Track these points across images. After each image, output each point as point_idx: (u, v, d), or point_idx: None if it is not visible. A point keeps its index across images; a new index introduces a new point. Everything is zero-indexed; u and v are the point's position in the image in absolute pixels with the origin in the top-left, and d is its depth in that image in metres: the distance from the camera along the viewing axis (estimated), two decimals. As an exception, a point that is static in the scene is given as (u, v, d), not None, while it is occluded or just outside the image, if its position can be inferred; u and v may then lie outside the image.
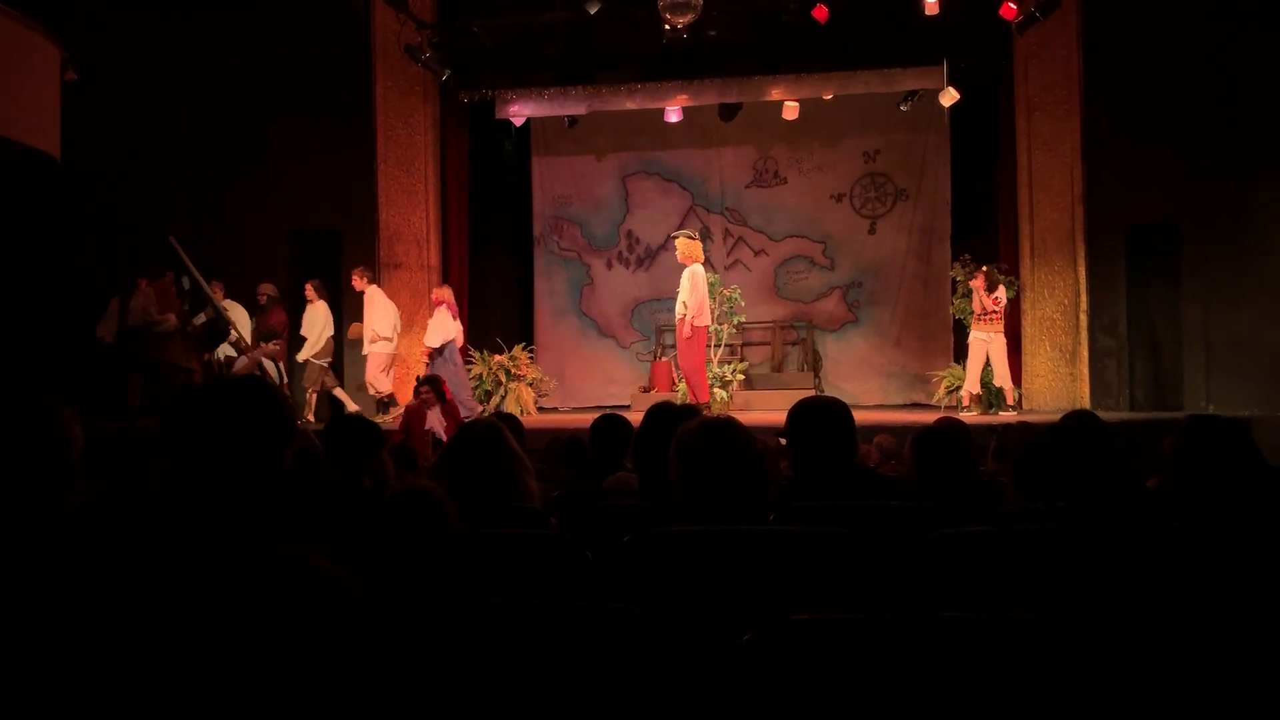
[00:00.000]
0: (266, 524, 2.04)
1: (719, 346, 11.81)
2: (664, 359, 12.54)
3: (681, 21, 9.75)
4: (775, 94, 11.58)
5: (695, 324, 9.94)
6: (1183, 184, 10.08)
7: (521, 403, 11.40)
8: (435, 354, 10.74)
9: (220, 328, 9.86)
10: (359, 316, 10.90)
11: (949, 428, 4.23)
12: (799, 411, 3.36)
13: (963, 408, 10.42)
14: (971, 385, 10.42)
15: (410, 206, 11.66)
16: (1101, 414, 4.18)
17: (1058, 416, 3.98)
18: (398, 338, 10.90)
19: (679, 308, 10.04)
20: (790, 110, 11.66)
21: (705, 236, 12.43)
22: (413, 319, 11.31)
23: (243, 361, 9.27)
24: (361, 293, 10.79)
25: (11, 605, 1.62)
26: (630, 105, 11.83)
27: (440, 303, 10.81)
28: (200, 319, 9.88)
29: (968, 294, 10.77)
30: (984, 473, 4.73)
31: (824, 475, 3.25)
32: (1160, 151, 10.08)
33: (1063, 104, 10.65)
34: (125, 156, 10.69)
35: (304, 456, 3.88)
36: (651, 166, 13.48)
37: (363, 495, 3.56)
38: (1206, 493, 3.15)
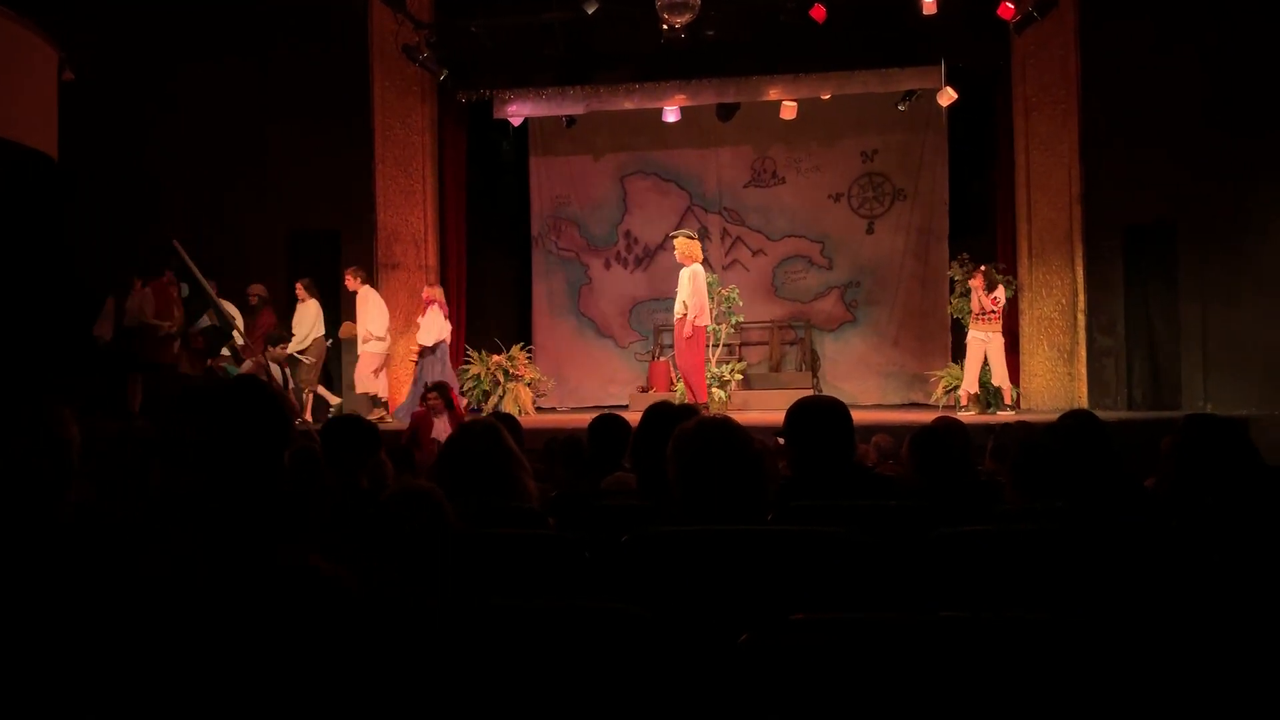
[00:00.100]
0: (265, 524, 2.04)
1: (717, 346, 11.82)
2: (662, 359, 12.55)
3: (679, 21, 9.76)
4: (773, 94, 11.58)
5: (696, 324, 9.95)
6: (1180, 184, 10.08)
7: (520, 403, 11.40)
8: (428, 352, 10.75)
9: (225, 330, 9.84)
10: (355, 316, 10.90)
11: (947, 427, 4.24)
12: (797, 411, 3.37)
13: (960, 407, 10.42)
14: (969, 385, 10.43)
15: (408, 207, 11.66)
16: (1099, 413, 4.18)
17: (1056, 416, 3.98)
18: (390, 338, 10.90)
19: (678, 307, 10.03)
20: (788, 110, 11.66)
21: (703, 236, 12.43)
22: (411, 319, 11.31)
23: (249, 365, 9.26)
24: (355, 293, 10.78)
25: (11, 605, 1.62)
26: (628, 105, 11.83)
27: (431, 301, 10.82)
28: (203, 323, 9.86)
29: (966, 293, 10.77)
30: (982, 472, 4.73)
31: (822, 475, 3.25)
32: (1158, 151, 10.08)
33: (1060, 104, 10.66)
34: (123, 156, 10.67)
35: (302, 457, 3.88)
36: (649, 166, 13.49)
37: (361, 495, 3.56)
38: (1204, 492, 3.15)
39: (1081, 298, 10.65)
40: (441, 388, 8.66)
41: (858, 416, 3.54)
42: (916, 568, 2.54)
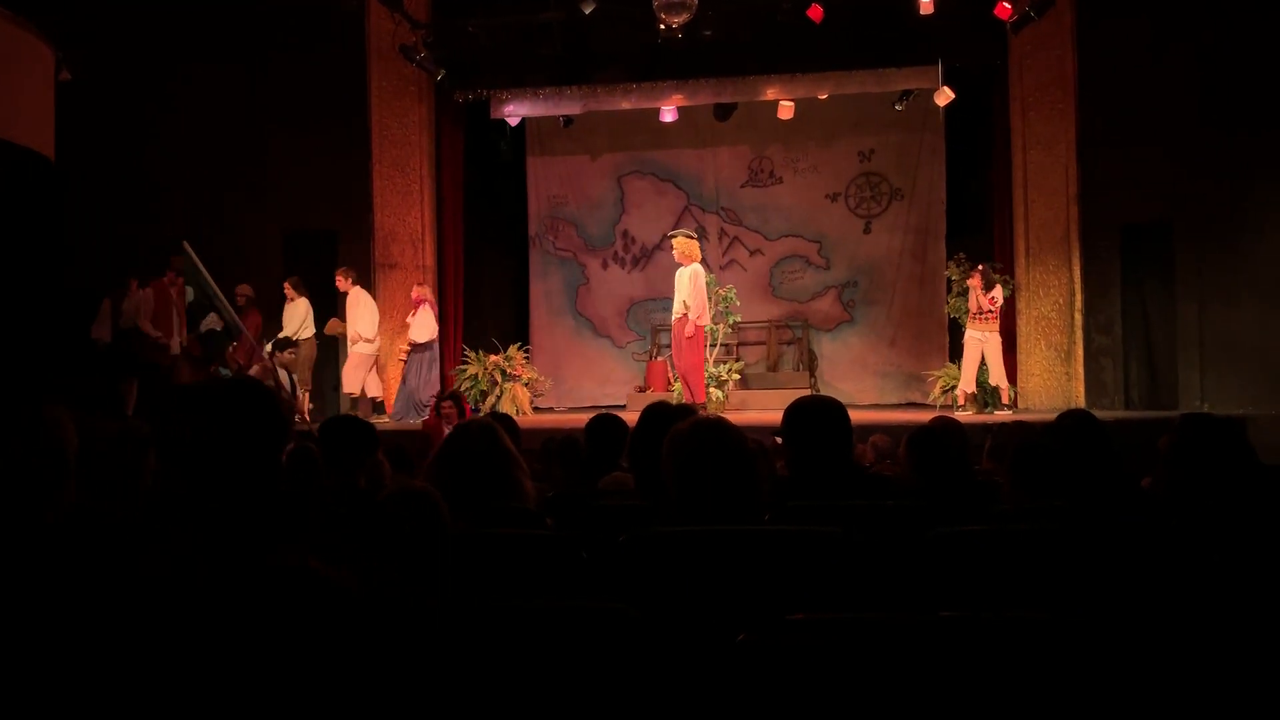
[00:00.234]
0: (262, 525, 2.04)
1: (714, 346, 11.81)
2: (660, 359, 12.54)
3: (676, 21, 9.75)
4: (770, 94, 11.58)
5: (698, 324, 9.96)
6: (1177, 183, 10.09)
7: (517, 403, 11.39)
8: (420, 349, 10.76)
9: (233, 335, 9.80)
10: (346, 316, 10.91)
11: (944, 427, 4.24)
12: (795, 411, 3.37)
13: (958, 407, 10.42)
14: (966, 384, 10.43)
15: (405, 207, 11.66)
16: (1097, 413, 4.18)
17: (1053, 416, 3.98)
18: (379, 340, 10.91)
19: (679, 307, 10.03)
20: (785, 110, 11.66)
21: (701, 236, 12.43)
22: (408, 320, 11.31)
23: (257, 370, 9.24)
24: (345, 293, 10.77)
25: (6, 606, 1.62)
26: (625, 105, 11.83)
27: (422, 301, 10.85)
28: (208, 325, 9.82)
29: (964, 293, 10.77)
30: (979, 472, 4.73)
31: (820, 475, 3.25)
32: (1155, 150, 10.09)
33: (1057, 103, 10.67)
34: (121, 157, 10.67)
35: (300, 457, 3.88)
36: (647, 166, 13.48)
37: (359, 496, 3.55)
38: (1201, 491, 3.16)
39: (1079, 297, 10.66)
40: (456, 396, 8.67)
41: (855, 416, 3.54)
42: (914, 568, 2.54)
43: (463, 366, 11.66)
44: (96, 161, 10.23)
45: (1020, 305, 10.99)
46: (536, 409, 12.15)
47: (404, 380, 10.97)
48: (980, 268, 10.44)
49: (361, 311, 10.73)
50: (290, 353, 9.80)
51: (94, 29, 9.96)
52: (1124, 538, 2.59)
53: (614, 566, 2.46)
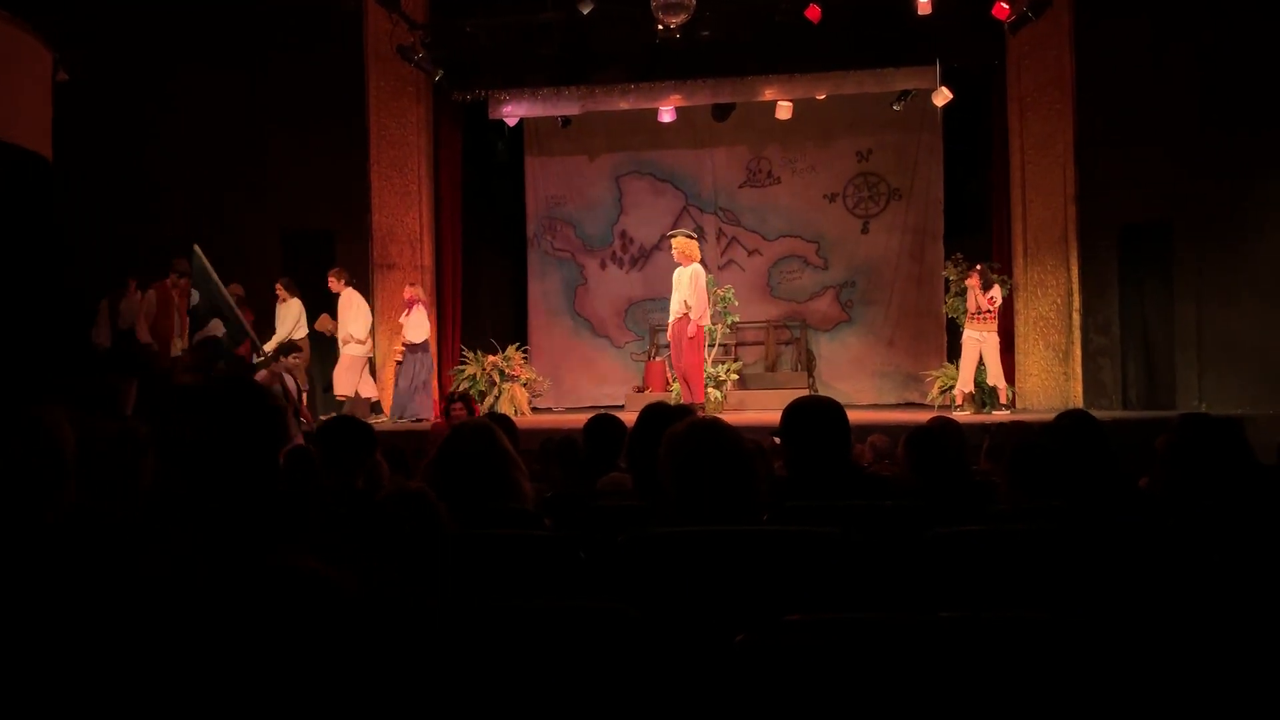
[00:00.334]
0: (260, 525, 2.04)
1: (713, 346, 11.81)
2: (658, 359, 12.54)
3: (675, 21, 9.75)
4: (768, 94, 11.58)
5: (699, 323, 9.97)
6: (1175, 183, 10.08)
7: (515, 403, 11.39)
8: (415, 350, 10.76)
9: (237, 341, 9.75)
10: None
11: (942, 427, 4.24)
12: (793, 411, 3.37)
13: (956, 407, 10.43)
14: (964, 384, 10.44)
15: (403, 207, 11.65)
16: (1094, 413, 4.18)
17: (1051, 416, 3.98)
18: (371, 342, 10.89)
19: (678, 307, 10.03)
20: (783, 110, 11.65)
21: (699, 236, 12.45)
22: (401, 320, 11.29)
23: (263, 374, 9.22)
24: (337, 294, 10.75)
25: (4, 607, 1.62)
26: (624, 105, 11.82)
27: (415, 300, 10.84)
28: (210, 331, 9.77)
29: (962, 293, 10.77)
30: (977, 472, 4.74)
31: (818, 475, 3.25)
32: (1153, 150, 10.09)
33: (1055, 103, 10.67)
34: (120, 157, 10.65)
35: (298, 458, 3.88)
36: (645, 166, 13.48)
37: (357, 496, 3.56)
38: (1199, 491, 3.16)
39: (1077, 297, 10.66)
40: (466, 398, 8.66)
41: (853, 416, 3.54)
42: (912, 568, 2.54)
43: (461, 367, 11.66)
44: (95, 162, 10.21)
45: (1018, 305, 10.99)
46: (535, 409, 12.16)
47: (396, 381, 10.97)
48: (978, 268, 10.45)
49: (354, 313, 10.69)
50: (295, 357, 9.76)
51: (93, 29, 9.95)
52: (1121, 538, 2.59)
53: (612, 567, 2.46)
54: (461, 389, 11.02)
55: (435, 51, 11.03)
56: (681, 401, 9.57)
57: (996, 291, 10.31)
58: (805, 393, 8.36)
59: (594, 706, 1.86)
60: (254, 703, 1.22)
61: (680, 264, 10.22)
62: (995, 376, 10.30)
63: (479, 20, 10.85)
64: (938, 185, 12.79)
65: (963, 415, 9.77)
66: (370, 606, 1.35)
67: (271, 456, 2.18)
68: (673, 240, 10.46)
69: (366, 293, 11.14)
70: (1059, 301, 10.78)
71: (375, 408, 11.02)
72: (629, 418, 4.18)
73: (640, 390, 12.14)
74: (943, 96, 10.90)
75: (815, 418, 3.34)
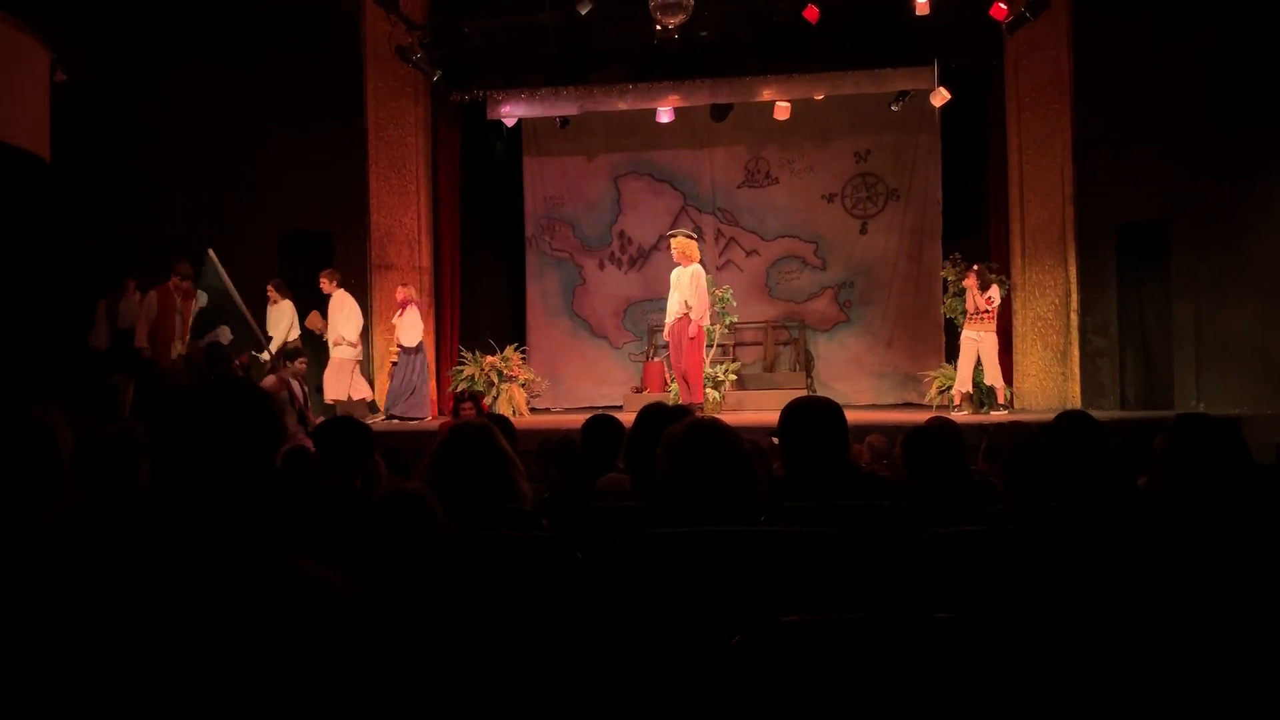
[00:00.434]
0: (258, 526, 2.04)
1: (711, 346, 11.81)
2: (656, 359, 12.54)
3: (673, 22, 9.76)
4: (766, 94, 11.59)
5: (700, 324, 9.97)
6: (1174, 183, 10.06)
7: (514, 403, 11.40)
8: (411, 351, 10.75)
9: (246, 347, 9.73)
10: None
11: (940, 427, 4.25)
12: (791, 412, 3.37)
13: (954, 407, 10.43)
14: (962, 384, 10.44)
15: (402, 208, 11.65)
16: (1093, 413, 4.18)
17: (1049, 416, 3.99)
18: (361, 345, 10.88)
19: (679, 307, 10.02)
20: (781, 110, 11.66)
21: (698, 237, 12.46)
22: (394, 320, 11.29)
23: (270, 380, 9.22)
24: (329, 296, 10.73)
25: (4, 606, 1.62)
26: (622, 105, 11.83)
27: (409, 301, 10.83)
28: (217, 337, 9.75)
29: (960, 293, 10.78)
30: (975, 472, 4.74)
31: (816, 475, 3.25)
32: (1151, 150, 10.07)
33: (1053, 103, 10.67)
34: (118, 158, 10.62)
35: (296, 459, 3.88)
36: (643, 167, 13.49)
37: (355, 497, 3.55)
38: (1197, 491, 3.16)
39: (1075, 297, 10.67)
40: (475, 396, 8.64)
41: (851, 417, 3.54)
42: (910, 568, 2.54)
43: (459, 367, 11.66)
44: (93, 162, 10.18)
45: (1016, 305, 11.00)
46: (533, 410, 12.17)
47: (391, 380, 10.96)
48: (976, 268, 10.45)
49: (345, 315, 10.64)
50: (300, 362, 9.76)
51: (91, 29, 9.93)
52: (1119, 538, 2.59)
53: (610, 568, 2.46)
54: (463, 389, 11.02)
55: (433, 52, 11.03)
56: (679, 402, 9.57)
57: (995, 292, 10.31)
58: (803, 393, 8.37)
59: (592, 708, 1.86)
60: (253, 703, 1.23)
61: (680, 264, 10.22)
62: (993, 377, 10.30)
63: (477, 20, 10.86)
64: (936, 185, 12.80)
65: (961, 415, 9.78)
66: (368, 607, 1.35)
67: (269, 457, 2.18)
68: (672, 240, 10.46)
69: (365, 293, 11.14)
70: (1057, 302, 10.79)
71: (373, 407, 11.00)
72: (627, 418, 4.18)
73: (638, 391, 12.14)
74: (941, 97, 10.91)
75: (813, 418, 3.35)
